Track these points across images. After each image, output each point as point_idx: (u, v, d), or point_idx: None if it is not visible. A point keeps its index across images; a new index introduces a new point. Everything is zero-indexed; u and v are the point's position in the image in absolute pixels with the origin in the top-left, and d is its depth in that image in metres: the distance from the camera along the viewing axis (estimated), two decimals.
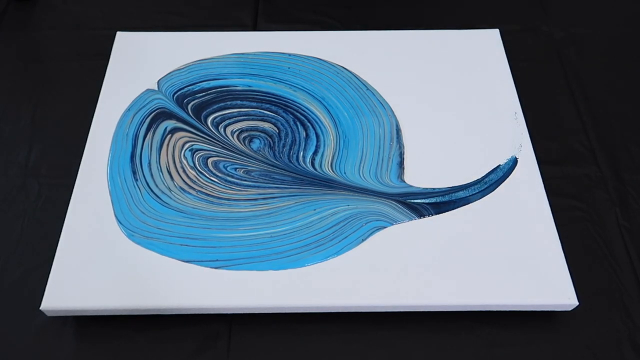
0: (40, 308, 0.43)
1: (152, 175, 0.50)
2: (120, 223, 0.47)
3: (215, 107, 0.55)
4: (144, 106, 0.55)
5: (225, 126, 0.54)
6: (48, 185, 0.52)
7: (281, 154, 0.52)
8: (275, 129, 0.54)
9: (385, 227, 0.47)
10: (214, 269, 0.45)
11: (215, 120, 0.54)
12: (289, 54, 0.59)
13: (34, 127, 0.56)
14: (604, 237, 0.50)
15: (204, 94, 0.56)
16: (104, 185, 0.49)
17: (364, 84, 0.57)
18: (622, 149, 0.56)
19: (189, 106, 0.55)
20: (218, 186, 0.50)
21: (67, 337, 0.45)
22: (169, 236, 0.47)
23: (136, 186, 0.49)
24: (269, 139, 0.53)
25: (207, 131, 0.53)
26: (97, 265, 0.45)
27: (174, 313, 0.44)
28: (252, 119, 0.54)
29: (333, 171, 0.51)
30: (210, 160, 0.51)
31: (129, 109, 0.54)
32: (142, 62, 0.58)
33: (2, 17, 0.64)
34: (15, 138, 0.55)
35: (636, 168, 0.54)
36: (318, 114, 0.55)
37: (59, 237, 0.46)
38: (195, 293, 0.44)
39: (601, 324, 0.46)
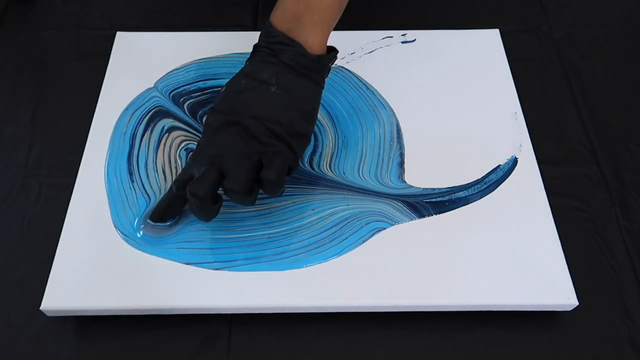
0: (40, 308, 0.43)
1: (147, 176, 0.50)
2: (116, 227, 0.47)
3: (210, 106, 0.54)
4: (142, 105, 0.55)
5: None
6: (48, 185, 0.52)
7: None
8: None
9: (385, 228, 0.47)
10: (213, 270, 0.45)
11: None
12: None
13: (34, 127, 0.56)
14: (604, 237, 0.50)
15: (199, 93, 0.56)
16: (103, 186, 0.49)
17: (364, 84, 0.57)
18: (622, 149, 0.56)
19: (185, 105, 0.55)
20: None
21: (67, 337, 0.44)
22: (165, 239, 0.47)
23: (132, 187, 0.49)
24: None
25: None
26: (97, 265, 0.45)
27: (173, 313, 0.44)
28: None
29: (332, 171, 0.51)
30: None
31: (127, 108, 0.54)
32: (142, 62, 0.58)
33: (2, 17, 0.64)
34: (15, 138, 0.55)
35: (636, 168, 0.54)
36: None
37: (59, 237, 0.46)
38: (195, 293, 0.44)
39: (601, 324, 0.46)
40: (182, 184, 0.44)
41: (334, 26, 0.46)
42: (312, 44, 0.44)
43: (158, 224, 0.47)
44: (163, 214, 0.46)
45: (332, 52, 0.46)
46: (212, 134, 0.43)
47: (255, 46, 0.46)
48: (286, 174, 0.43)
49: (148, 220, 0.47)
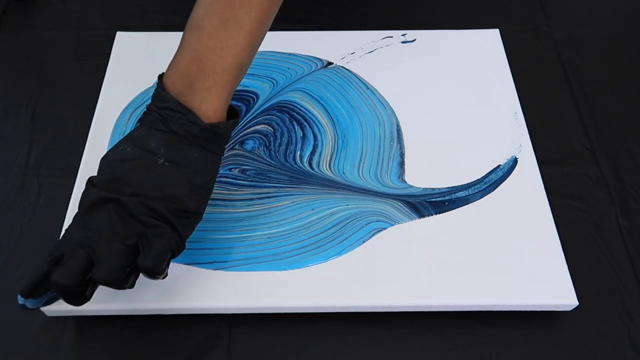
0: (41, 308, 0.43)
1: None
2: None
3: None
4: (141, 104, 0.55)
5: None
6: (48, 185, 0.52)
7: (277, 153, 0.52)
8: (270, 128, 0.53)
9: (385, 228, 0.47)
10: (213, 271, 0.45)
11: None
12: (289, 54, 0.59)
13: (34, 127, 0.56)
14: (604, 237, 0.50)
15: None
16: None
17: (364, 84, 0.57)
18: (622, 149, 0.56)
19: None
20: None
21: (67, 337, 0.44)
22: None
23: None
24: (263, 138, 0.53)
25: None
26: None
27: (173, 313, 0.44)
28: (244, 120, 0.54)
29: (331, 171, 0.51)
30: None
31: (126, 108, 0.54)
32: (142, 62, 0.58)
33: (2, 17, 0.64)
34: (15, 138, 0.55)
35: (636, 168, 0.54)
36: (316, 113, 0.54)
37: (59, 237, 0.46)
38: (195, 294, 0.44)
39: (601, 324, 0.46)
40: (54, 260, 0.37)
41: (234, 90, 0.41)
42: (206, 111, 0.39)
43: (27, 302, 0.38)
44: (33, 289, 0.37)
45: (233, 118, 0.41)
46: (85, 212, 0.37)
47: (147, 107, 0.40)
48: (169, 258, 0.38)
49: (18, 296, 0.38)
